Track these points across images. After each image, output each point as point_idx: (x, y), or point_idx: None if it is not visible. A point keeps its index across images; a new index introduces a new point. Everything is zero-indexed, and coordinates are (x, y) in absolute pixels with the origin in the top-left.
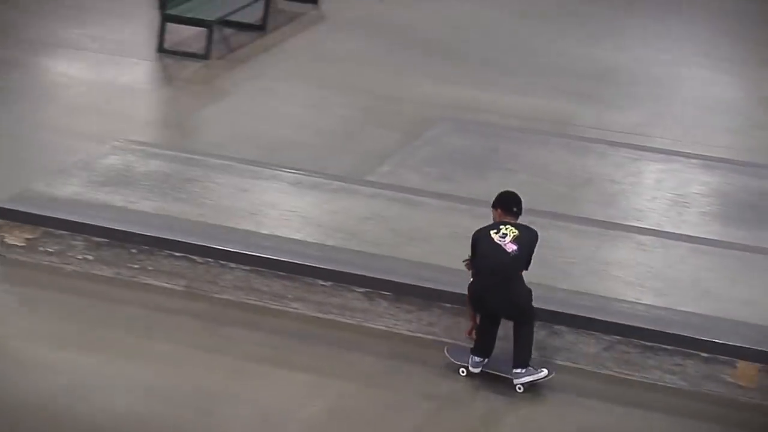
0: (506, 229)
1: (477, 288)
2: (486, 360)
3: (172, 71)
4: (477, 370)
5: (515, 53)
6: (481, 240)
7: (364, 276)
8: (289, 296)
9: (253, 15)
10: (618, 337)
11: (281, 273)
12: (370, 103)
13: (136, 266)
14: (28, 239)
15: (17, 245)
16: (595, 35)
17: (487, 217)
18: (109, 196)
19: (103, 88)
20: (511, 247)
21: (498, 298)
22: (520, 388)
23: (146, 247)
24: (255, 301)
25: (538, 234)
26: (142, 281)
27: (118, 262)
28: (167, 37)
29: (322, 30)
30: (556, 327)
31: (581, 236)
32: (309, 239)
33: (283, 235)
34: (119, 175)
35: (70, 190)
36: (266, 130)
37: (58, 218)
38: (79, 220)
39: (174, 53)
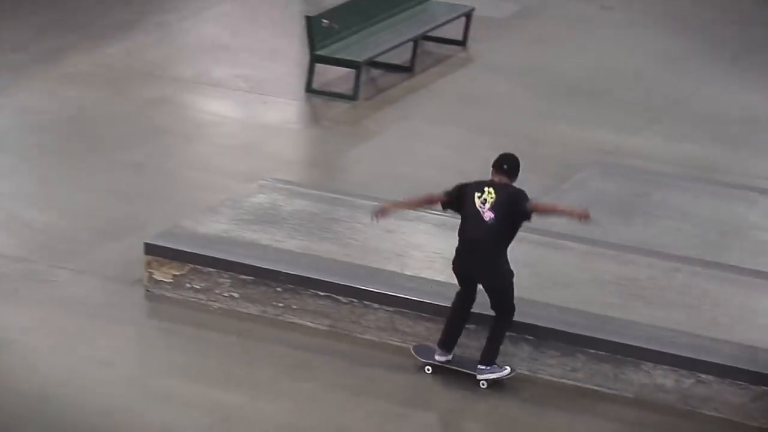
0: (488, 192)
1: (456, 256)
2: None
3: (320, 111)
4: (442, 359)
5: (661, 97)
6: (466, 198)
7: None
8: (432, 338)
9: (401, 56)
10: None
11: (425, 315)
12: (515, 145)
13: (281, 305)
14: (175, 276)
15: (165, 281)
16: (745, 79)
17: (634, 263)
18: (256, 234)
19: (252, 126)
20: (488, 215)
21: (476, 269)
22: (483, 384)
23: (291, 286)
24: (398, 342)
25: (523, 192)
26: (286, 320)
27: (263, 300)
28: (316, 77)
29: (469, 72)
30: (702, 376)
31: (730, 284)
32: (453, 281)
33: (427, 277)
34: (266, 214)
35: (217, 228)
36: (411, 170)
37: (205, 255)
38: (226, 258)
39: (322, 93)
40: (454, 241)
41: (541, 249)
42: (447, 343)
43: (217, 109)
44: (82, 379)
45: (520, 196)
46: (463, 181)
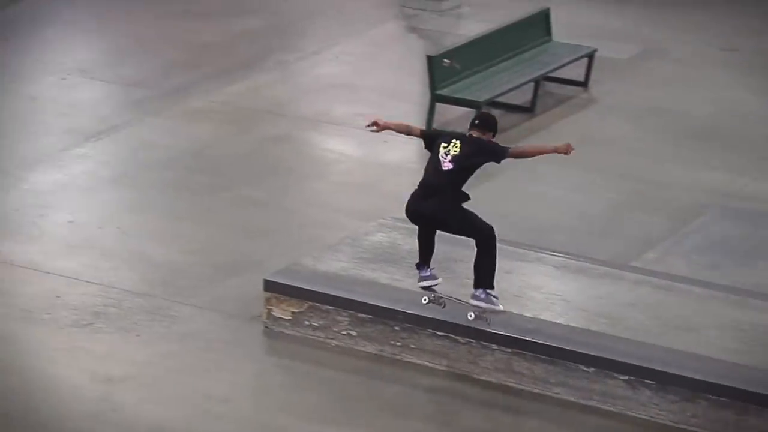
0: (453, 145)
1: (410, 197)
2: (428, 269)
3: None
4: (426, 284)
5: None
6: (435, 146)
7: (628, 363)
8: (551, 381)
9: (522, 97)
10: None
11: (543, 357)
12: (636, 187)
13: (398, 344)
14: (294, 313)
15: (283, 318)
16: None
17: (757, 308)
18: (375, 273)
19: (371, 165)
20: (447, 165)
21: (423, 207)
22: (470, 316)
23: (409, 325)
24: (516, 384)
25: (495, 147)
26: (404, 359)
27: (381, 339)
28: (436, 116)
29: (590, 113)
30: None
31: None
32: (572, 323)
33: (546, 319)
34: (385, 253)
35: (336, 266)
36: (531, 212)
37: (324, 293)
38: (345, 296)
39: None
40: (574, 284)
41: (660, 292)
42: (422, 257)
43: (338, 147)
44: (199, 415)
45: (490, 150)
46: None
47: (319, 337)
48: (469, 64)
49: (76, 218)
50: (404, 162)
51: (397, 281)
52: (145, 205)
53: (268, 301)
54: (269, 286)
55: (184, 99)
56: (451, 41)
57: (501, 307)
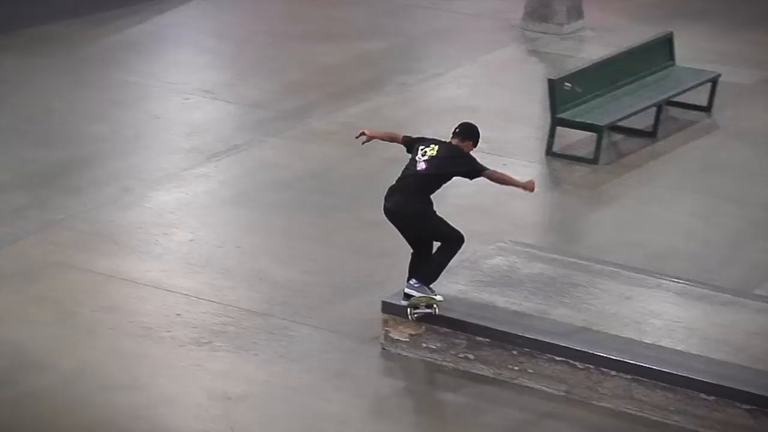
0: (432, 148)
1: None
2: (415, 282)
3: (559, 174)
4: (411, 292)
5: None
6: (414, 148)
7: (750, 392)
8: (671, 408)
9: (643, 121)
10: None
11: (663, 384)
12: (759, 215)
13: (516, 368)
14: (411, 335)
15: (401, 340)
16: None
17: None
18: (493, 296)
19: (490, 188)
20: (421, 166)
21: (394, 206)
22: (404, 301)
23: (527, 350)
24: (634, 410)
25: (469, 157)
26: (521, 383)
27: (498, 362)
28: (557, 139)
29: (713, 138)
30: None
31: None
32: (693, 351)
33: (667, 346)
34: (503, 276)
35: (454, 288)
36: (651, 237)
37: (441, 316)
38: (463, 319)
39: (563, 156)
40: (696, 311)
41: None
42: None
43: None
44: None
45: (466, 162)
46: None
47: (436, 359)
48: (591, 87)
49: (197, 237)
50: None
51: (515, 305)
52: (264, 224)
53: (385, 322)
54: (387, 307)
55: (304, 120)
56: (573, 64)
57: (439, 297)
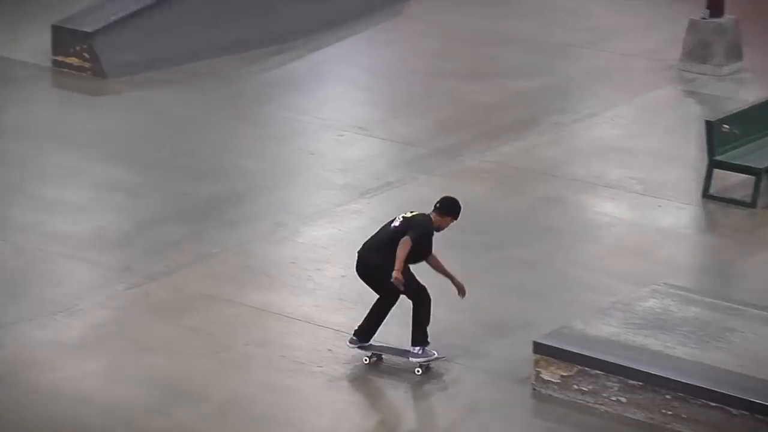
0: (412, 212)
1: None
2: (367, 343)
3: (715, 217)
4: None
5: None
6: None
7: None
8: None
9: None
10: None
11: None
12: None
13: (669, 413)
14: (563, 376)
15: (552, 381)
16: None
17: None
18: (647, 339)
19: (645, 229)
20: (394, 224)
21: (363, 255)
22: (418, 371)
23: (681, 394)
24: None
25: (424, 226)
26: (674, 428)
27: (651, 407)
28: (713, 182)
29: None
30: None
31: None
32: None
33: None
34: (657, 319)
35: (607, 330)
36: None
37: (594, 358)
38: (615, 362)
39: (719, 199)
40: None
41: None
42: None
43: (611, 210)
44: None
45: (417, 225)
46: None
47: (588, 402)
48: (749, 130)
49: (349, 273)
50: (678, 227)
51: (669, 348)
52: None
53: (537, 363)
54: (539, 348)
55: (457, 157)
56: (731, 106)
57: (435, 354)
